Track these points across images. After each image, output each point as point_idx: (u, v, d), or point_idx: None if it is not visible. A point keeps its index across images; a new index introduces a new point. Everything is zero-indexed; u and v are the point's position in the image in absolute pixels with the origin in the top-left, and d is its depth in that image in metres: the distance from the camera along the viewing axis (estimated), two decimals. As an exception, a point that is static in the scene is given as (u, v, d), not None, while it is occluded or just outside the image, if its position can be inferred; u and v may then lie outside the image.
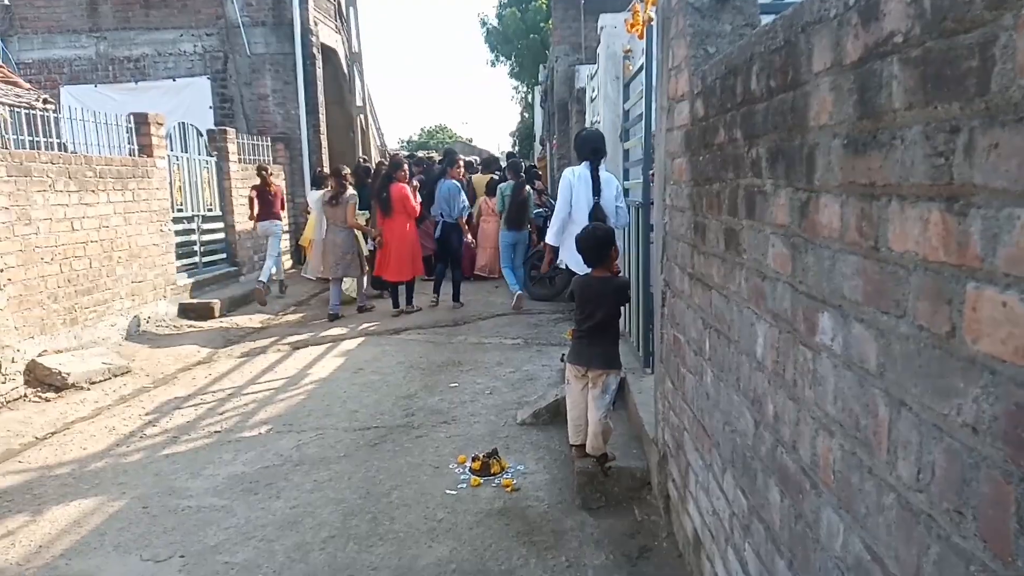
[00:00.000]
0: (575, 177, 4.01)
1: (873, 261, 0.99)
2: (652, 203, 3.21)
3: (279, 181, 8.71)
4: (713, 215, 1.84)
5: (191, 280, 6.97)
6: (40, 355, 4.58)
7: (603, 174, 4.03)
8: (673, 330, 2.41)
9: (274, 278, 7.62)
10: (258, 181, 7.51)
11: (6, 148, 4.61)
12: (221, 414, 4.01)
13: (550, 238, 4.19)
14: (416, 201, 6.54)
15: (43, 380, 4.40)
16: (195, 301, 6.68)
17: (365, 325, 6.22)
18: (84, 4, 9.97)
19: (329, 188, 6.63)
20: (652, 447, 2.77)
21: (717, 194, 1.80)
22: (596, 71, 5.62)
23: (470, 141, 35.04)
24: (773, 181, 1.39)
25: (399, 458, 3.28)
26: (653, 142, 3.07)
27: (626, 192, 4.47)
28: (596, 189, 3.95)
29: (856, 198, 1.04)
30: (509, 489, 2.90)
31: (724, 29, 2.05)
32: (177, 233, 6.78)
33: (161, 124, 6.55)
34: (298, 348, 5.51)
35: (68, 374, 4.43)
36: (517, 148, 23.84)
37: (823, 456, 1.16)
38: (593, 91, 5.92)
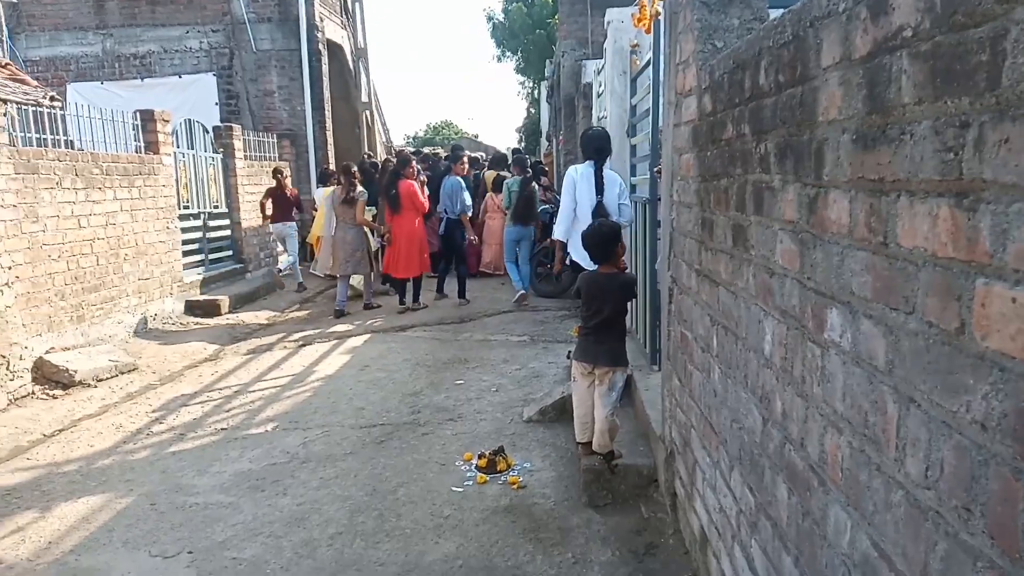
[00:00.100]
0: (578, 175, 4.06)
1: (882, 257, 0.98)
2: (659, 199, 3.20)
3: (284, 178, 8.77)
4: (721, 211, 1.84)
5: (198, 277, 7.00)
6: (48, 352, 4.61)
7: (607, 173, 4.06)
8: (680, 327, 2.41)
9: (290, 273, 7.76)
10: (273, 184, 7.64)
11: (14, 146, 4.64)
12: (228, 411, 4.03)
13: (559, 233, 4.23)
14: (424, 197, 6.56)
15: (51, 377, 4.43)
16: (202, 298, 6.71)
17: (371, 322, 6.24)
18: (91, 1, 10.01)
19: (339, 185, 6.65)
20: (659, 444, 2.76)
21: (725, 190, 1.79)
22: (603, 66, 5.60)
23: (476, 137, 35.00)
24: (781, 177, 1.38)
25: (405, 455, 3.29)
26: (660, 137, 3.06)
27: (633, 188, 4.46)
28: (599, 188, 3.98)
29: (865, 194, 1.03)
30: (515, 486, 2.91)
31: (732, 24, 2.04)
32: (183, 230, 6.81)
33: (167, 121, 6.57)
34: (304, 345, 5.53)
35: (75, 371, 4.46)
36: (523, 144, 23.79)
37: (831, 453, 1.16)
38: (600, 86, 5.90)
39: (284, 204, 7.65)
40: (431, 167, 8.82)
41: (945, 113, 0.82)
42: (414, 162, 6.82)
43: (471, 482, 2.97)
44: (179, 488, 3.00)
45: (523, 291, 6.77)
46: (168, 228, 6.42)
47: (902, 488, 0.93)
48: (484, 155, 14.83)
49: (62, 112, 5.42)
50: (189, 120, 7.53)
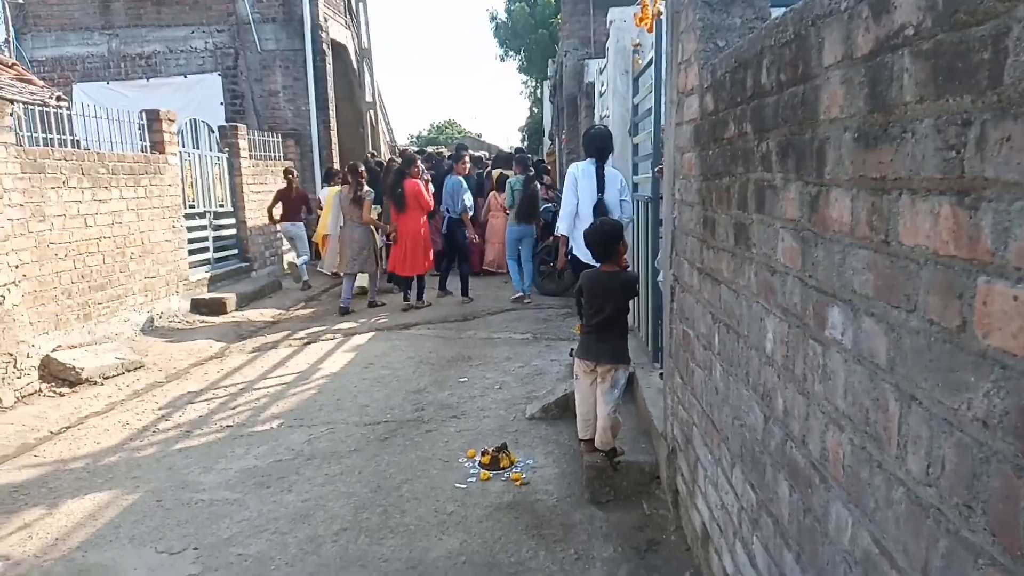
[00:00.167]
0: (579, 172, 4.12)
1: (883, 255, 0.98)
2: (661, 197, 3.20)
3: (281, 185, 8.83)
4: (723, 209, 1.84)
5: (203, 276, 7.03)
6: (54, 350, 4.65)
7: (608, 171, 4.12)
8: (682, 325, 2.41)
9: (300, 272, 7.86)
10: (284, 184, 7.72)
11: (20, 145, 4.67)
12: (233, 409, 4.05)
13: (562, 229, 4.27)
14: (429, 196, 6.61)
15: (57, 375, 4.46)
16: (207, 296, 6.74)
17: (375, 320, 6.26)
18: (96, 2, 10.05)
19: (347, 184, 6.70)
20: (661, 441, 2.77)
21: (727, 188, 1.79)
22: (605, 65, 5.60)
23: (479, 136, 34.99)
24: (783, 175, 1.38)
25: (409, 452, 3.31)
26: (662, 136, 3.06)
27: (635, 187, 4.47)
28: (600, 185, 4.04)
29: (867, 192, 1.03)
30: (518, 483, 2.91)
31: (734, 23, 2.04)
32: (189, 229, 6.84)
33: (173, 121, 6.60)
34: (309, 343, 5.55)
35: (82, 369, 4.49)
36: (526, 143, 23.78)
37: (832, 450, 1.16)
38: (602, 85, 5.90)
39: (294, 204, 7.75)
40: (435, 166, 8.84)
41: (947, 111, 0.82)
42: (419, 161, 6.86)
43: (474, 479, 2.98)
44: (185, 485, 3.02)
45: (521, 292, 6.84)
46: (174, 227, 6.45)
47: (903, 485, 0.93)
48: (487, 154, 14.82)
49: (68, 112, 5.45)
50: (194, 120, 7.56)
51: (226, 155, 7.95)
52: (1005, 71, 0.72)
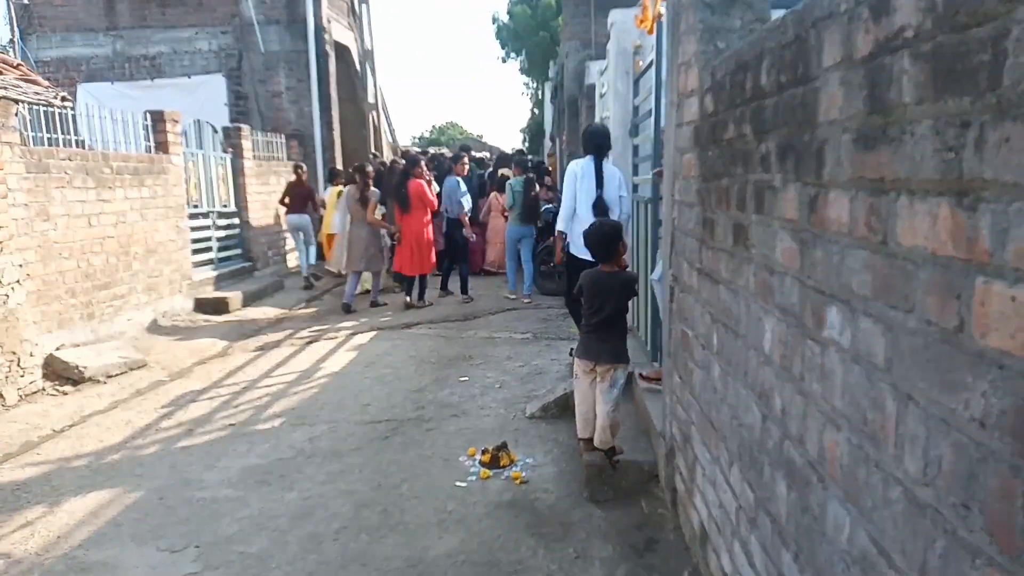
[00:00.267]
0: (579, 169, 4.16)
1: (882, 256, 0.99)
2: (660, 198, 3.20)
3: (291, 178, 8.92)
4: (722, 210, 1.84)
5: (207, 275, 7.06)
6: (58, 349, 4.66)
7: (607, 167, 4.17)
8: (681, 325, 2.41)
9: (307, 276, 8.02)
10: (293, 178, 7.93)
11: (25, 145, 4.69)
12: (236, 407, 4.07)
13: (560, 225, 4.32)
14: (433, 196, 6.68)
15: (61, 374, 4.48)
16: (211, 296, 6.76)
17: (377, 320, 6.27)
18: (101, 3, 10.08)
19: (354, 184, 6.77)
20: (660, 441, 2.77)
21: (726, 189, 1.79)
22: (606, 67, 5.60)
23: (480, 137, 35.02)
24: (782, 176, 1.39)
25: (410, 451, 3.31)
26: (662, 138, 3.06)
27: (635, 188, 4.48)
28: (599, 182, 4.09)
29: (865, 193, 1.04)
30: (518, 482, 2.92)
31: (734, 24, 2.04)
32: (193, 229, 6.86)
33: (177, 121, 6.62)
34: (311, 342, 5.56)
35: (85, 368, 4.50)
36: (527, 144, 23.80)
37: (830, 450, 1.16)
38: (603, 87, 5.90)
39: (299, 197, 7.95)
40: (437, 167, 8.87)
41: (946, 113, 0.83)
42: (423, 162, 6.92)
43: (474, 477, 2.99)
44: (187, 483, 3.03)
45: (515, 291, 7.00)
46: (177, 227, 6.47)
47: (900, 485, 0.93)
48: (488, 155, 14.83)
49: (73, 112, 5.48)
50: (198, 120, 7.59)
51: (230, 156, 7.98)
52: (1004, 73, 0.72)
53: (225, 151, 7.95)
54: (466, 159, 7.88)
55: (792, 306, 1.34)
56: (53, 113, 5.10)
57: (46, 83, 4.70)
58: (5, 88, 4.10)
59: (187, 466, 3.22)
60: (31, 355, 4.32)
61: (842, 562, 1.11)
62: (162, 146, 6.41)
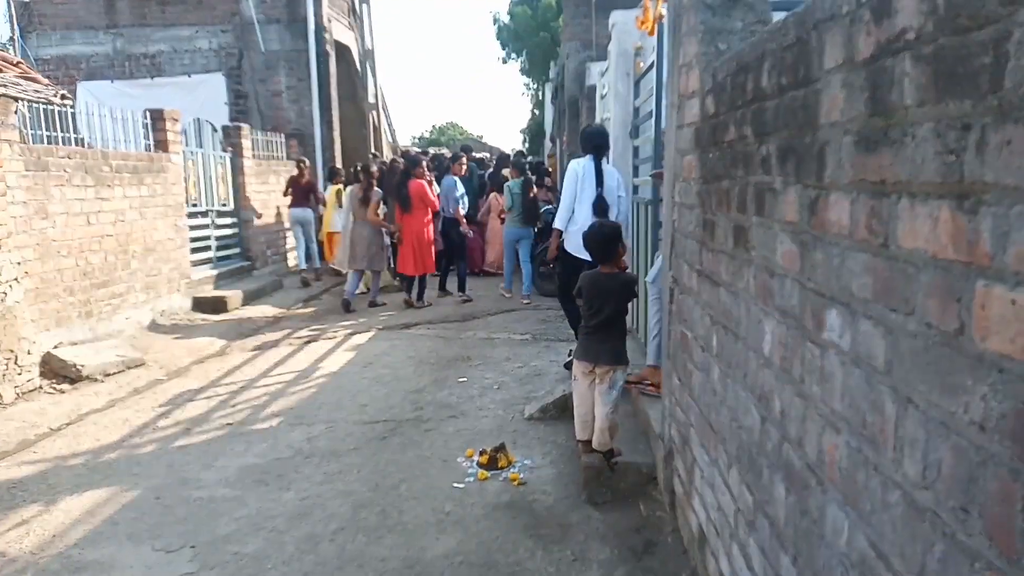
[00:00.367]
0: (580, 168, 4.23)
1: (882, 259, 0.99)
2: (660, 200, 3.21)
3: (292, 172, 8.97)
4: (722, 212, 1.84)
5: (205, 274, 7.05)
6: (55, 347, 4.65)
7: (606, 167, 4.24)
8: (681, 326, 2.41)
9: (308, 275, 8.11)
10: (295, 172, 8.15)
11: (24, 143, 4.68)
12: (233, 406, 4.06)
13: (558, 222, 4.38)
14: (434, 195, 6.73)
15: (58, 372, 4.47)
16: (209, 295, 6.75)
17: (376, 320, 6.26)
18: (101, 1, 10.08)
19: (358, 183, 6.82)
20: (658, 443, 2.77)
21: (727, 191, 1.79)
22: (607, 68, 5.61)
23: (480, 138, 35.03)
24: (783, 178, 1.38)
25: (408, 451, 3.31)
26: (663, 139, 3.06)
27: (636, 189, 4.49)
28: (599, 181, 4.16)
29: (866, 195, 1.03)
30: (516, 483, 2.91)
31: (735, 26, 2.04)
32: (191, 228, 6.86)
33: (177, 120, 6.62)
34: (310, 342, 5.55)
35: (83, 366, 4.49)
36: (527, 145, 23.81)
37: (829, 453, 1.16)
38: (604, 88, 5.91)
39: (302, 191, 8.12)
40: (437, 167, 8.89)
41: (947, 115, 0.82)
42: (424, 163, 6.96)
43: (472, 478, 2.98)
44: (184, 482, 3.02)
45: (508, 290, 7.12)
46: (176, 226, 6.46)
47: (900, 488, 0.93)
48: (488, 155, 14.83)
49: (72, 110, 5.47)
50: (198, 119, 7.59)
51: (229, 155, 7.97)
52: (1006, 75, 0.72)
53: (224, 150, 7.94)
54: (464, 159, 7.94)
55: (792, 308, 1.34)
56: (53, 111, 5.10)
57: (46, 81, 4.70)
58: (5, 86, 4.09)
59: (184, 465, 3.21)
60: (28, 353, 4.31)
61: (841, 566, 1.11)
62: (161, 145, 6.41)
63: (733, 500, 1.73)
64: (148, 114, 6.36)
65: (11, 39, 9.84)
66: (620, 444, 2.85)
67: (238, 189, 8.07)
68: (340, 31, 11.23)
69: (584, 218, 4.12)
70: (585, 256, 4.01)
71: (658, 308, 3.25)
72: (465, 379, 4.46)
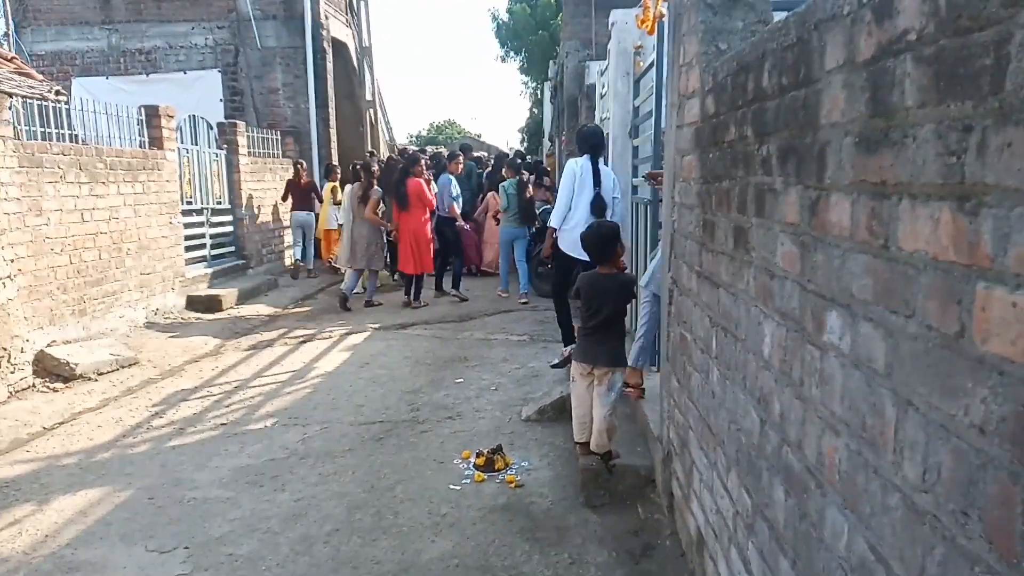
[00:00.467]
0: (578, 168, 4.25)
1: (883, 260, 0.98)
2: (660, 200, 3.21)
3: (288, 174, 8.98)
4: (722, 213, 1.83)
5: (199, 272, 7.02)
6: (49, 345, 4.62)
7: (602, 167, 4.27)
8: (680, 328, 2.41)
9: (300, 265, 8.30)
10: (292, 176, 8.31)
11: (18, 139, 4.65)
12: (227, 406, 4.04)
13: (553, 221, 4.40)
14: (432, 194, 6.74)
15: (51, 370, 4.44)
16: (203, 293, 6.72)
17: (372, 320, 6.25)
18: (96, -3, 10.03)
19: (358, 182, 6.84)
20: (657, 445, 2.76)
21: (727, 192, 1.79)
22: (606, 67, 5.61)
23: (479, 137, 35.01)
24: (783, 179, 1.38)
25: (404, 453, 3.30)
26: (663, 139, 3.06)
27: (635, 189, 4.49)
28: (597, 180, 4.19)
29: (867, 197, 1.03)
30: (513, 485, 2.91)
31: (736, 26, 2.04)
32: (186, 226, 6.83)
33: (172, 117, 6.58)
34: (305, 342, 5.53)
35: (76, 365, 4.47)
36: (526, 144, 23.81)
37: (829, 456, 1.16)
38: (603, 87, 5.91)
39: (303, 194, 8.24)
40: (436, 165, 8.90)
41: (948, 117, 0.82)
42: (423, 161, 6.97)
43: (469, 480, 2.97)
44: (178, 482, 3.00)
45: (505, 291, 7.12)
46: (171, 223, 6.43)
47: (899, 491, 0.93)
48: (487, 155, 14.82)
49: (67, 106, 5.43)
50: (193, 116, 7.55)
51: (224, 152, 7.94)
52: (1007, 77, 0.72)
53: (220, 147, 7.91)
54: (461, 158, 7.97)
55: (792, 310, 1.33)
56: (47, 107, 5.06)
57: (40, 77, 4.66)
58: (-2, 81, 4.06)
59: (178, 465, 3.19)
60: (22, 351, 4.28)
61: (840, 569, 1.10)
62: (156, 142, 6.37)
63: (732, 503, 1.72)
64: (143, 111, 6.33)
65: (5, 34, 9.78)
66: (618, 446, 2.85)
67: (233, 187, 8.04)
68: (337, 28, 11.20)
69: (582, 218, 4.13)
70: (579, 255, 4.05)
71: (647, 312, 3.27)
72: (462, 380, 4.45)
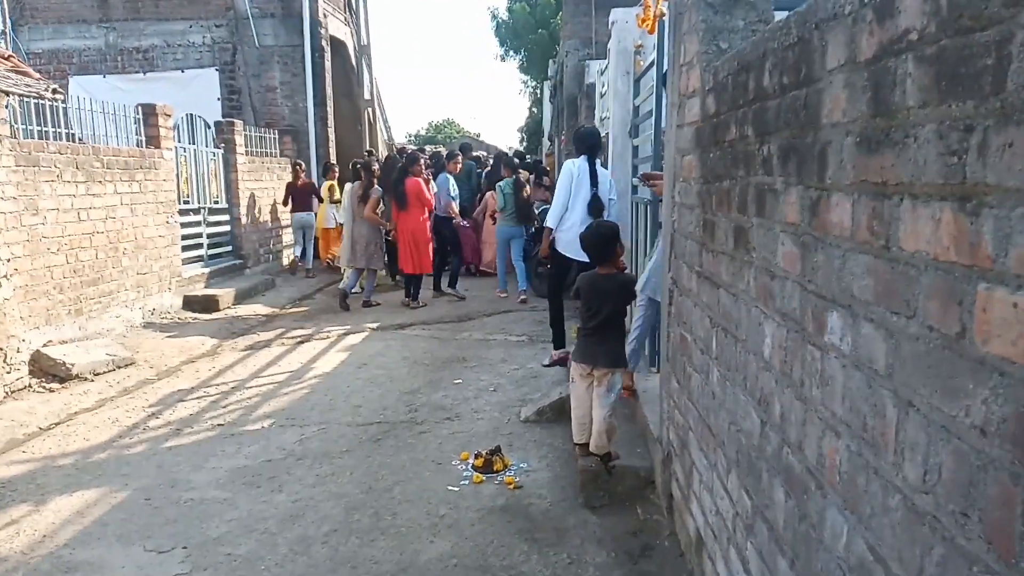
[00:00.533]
0: (575, 168, 4.28)
1: (884, 260, 0.98)
2: (660, 200, 3.20)
3: (285, 173, 8.98)
4: (722, 213, 1.83)
5: (196, 272, 7.00)
6: (45, 345, 4.61)
7: (599, 168, 4.31)
8: (680, 329, 2.41)
9: (300, 264, 8.42)
10: (290, 177, 8.39)
11: (15, 138, 4.63)
12: (224, 407, 4.03)
13: (550, 221, 4.40)
14: (431, 194, 6.76)
15: (48, 371, 4.42)
16: (200, 293, 6.71)
17: (370, 320, 6.24)
18: (94, -5, 9.99)
19: (359, 182, 6.86)
20: (656, 446, 2.76)
21: (727, 191, 1.79)
22: (606, 66, 5.60)
23: (478, 136, 35.00)
24: (784, 179, 1.38)
25: (402, 454, 3.29)
26: (663, 138, 3.06)
27: (635, 189, 4.49)
28: (594, 181, 4.22)
29: (868, 197, 1.03)
30: (512, 486, 2.90)
31: (737, 25, 2.03)
32: (183, 225, 6.81)
33: (169, 115, 6.57)
34: (302, 342, 5.52)
35: (72, 365, 4.45)
36: (525, 144, 23.81)
37: (829, 457, 1.15)
38: (603, 87, 5.91)
39: (303, 195, 8.29)
40: (435, 164, 8.91)
41: (949, 117, 0.82)
42: (422, 161, 6.98)
43: (467, 481, 2.97)
44: (175, 483, 2.99)
45: (503, 291, 7.13)
46: (168, 223, 6.41)
47: (900, 492, 0.93)
48: (485, 154, 14.82)
49: (64, 105, 5.41)
50: (191, 115, 7.53)
51: (222, 151, 7.92)
52: (1008, 77, 0.71)
53: (217, 146, 7.89)
54: (460, 158, 7.99)
55: (793, 311, 1.33)
56: (44, 106, 5.04)
57: (37, 75, 4.65)
58: (-5, 80, 4.04)
59: (174, 466, 3.18)
60: (18, 351, 4.26)
61: (839, 570, 1.10)
62: (153, 140, 6.35)
63: (732, 504, 1.72)
64: (140, 109, 6.31)
65: (2, 32, 9.74)
66: (618, 447, 2.85)
67: (230, 186, 8.02)
68: (336, 26, 11.18)
69: (578, 218, 4.14)
70: (575, 256, 4.08)
71: (640, 316, 3.30)
72: (460, 381, 4.44)
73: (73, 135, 5.61)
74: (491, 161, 10.82)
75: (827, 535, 1.15)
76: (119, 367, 4.71)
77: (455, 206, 7.28)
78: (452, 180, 7.33)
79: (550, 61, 14.76)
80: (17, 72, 4.36)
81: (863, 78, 1.03)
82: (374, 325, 6.03)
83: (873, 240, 1.01)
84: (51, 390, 4.26)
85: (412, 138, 35.67)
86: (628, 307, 3.14)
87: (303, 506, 2.76)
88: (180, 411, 3.95)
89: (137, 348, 5.14)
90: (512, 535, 2.52)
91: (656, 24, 3.52)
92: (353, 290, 6.83)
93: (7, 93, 4.22)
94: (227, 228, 7.96)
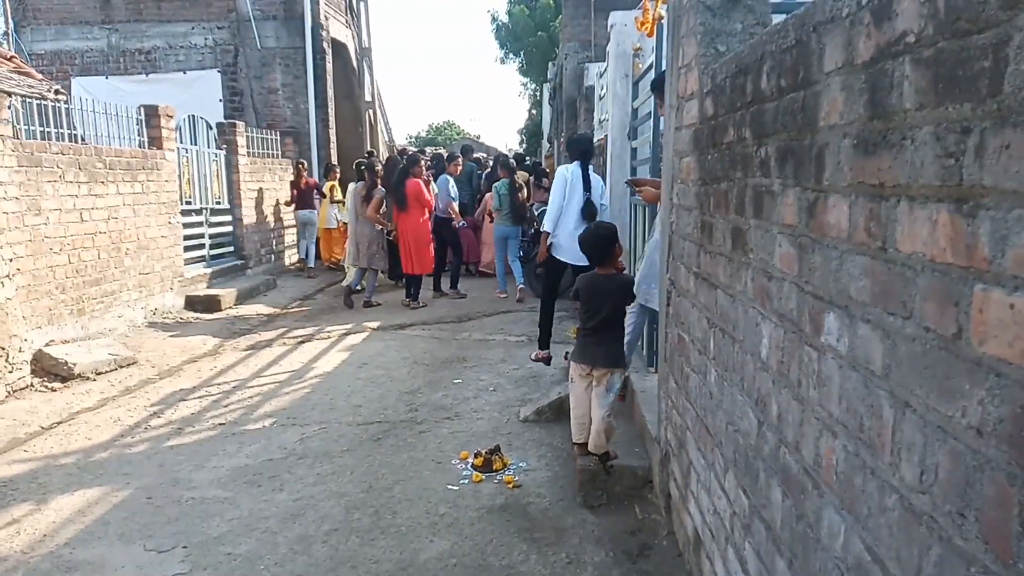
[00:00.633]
0: (569, 174, 4.34)
1: (880, 262, 0.98)
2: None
3: (287, 175, 9.00)
4: (720, 214, 1.84)
5: (198, 272, 7.01)
6: (47, 345, 4.62)
7: (592, 174, 4.37)
8: (678, 329, 2.41)
9: (302, 259, 8.57)
10: (293, 177, 8.51)
11: (18, 138, 4.64)
12: (226, 406, 4.03)
13: (546, 225, 4.45)
14: (431, 195, 6.79)
15: (50, 370, 4.43)
16: (202, 293, 6.72)
17: (371, 320, 6.25)
18: (96, -4, 10.02)
19: (362, 182, 6.89)
20: (654, 446, 2.77)
21: (725, 193, 1.79)
22: (605, 69, 5.61)
23: (478, 138, 35.04)
24: (781, 181, 1.38)
25: (402, 453, 3.29)
26: (661, 140, 3.07)
27: (633, 191, 4.51)
28: (587, 185, 4.30)
29: (865, 198, 1.03)
30: (511, 485, 2.91)
31: (735, 28, 2.04)
32: (185, 226, 6.82)
33: (171, 116, 6.58)
34: (303, 342, 5.53)
35: (75, 364, 4.46)
36: (524, 146, 23.84)
37: (826, 457, 1.16)
38: (602, 89, 5.92)
39: (305, 193, 8.39)
40: (436, 166, 8.92)
41: (946, 119, 0.82)
42: (423, 162, 7.00)
43: (467, 481, 2.97)
44: (176, 482, 3.00)
45: (503, 291, 7.16)
46: (170, 223, 6.42)
47: (896, 492, 0.93)
48: (486, 156, 14.84)
49: (66, 106, 5.43)
50: (193, 116, 7.55)
51: (224, 152, 7.94)
52: (1005, 79, 0.72)
53: (219, 148, 7.91)
54: (460, 159, 8.03)
55: (790, 312, 1.33)
56: (46, 106, 5.06)
57: (40, 76, 4.66)
58: (-3, 80, 4.05)
59: (176, 465, 3.19)
60: (20, 351, 4.27)
61: (836, 570, 1.11)
62: (156, 141, 6.37)
63: (729, 504, 1.72)
64: (142, 110, 6.32)
65: (5, 33, 9.77)
66: (616, 447, 2.85)
67: (232, 187, 8.03)
68: (337, 28, 11.20)
69: (573, 222, 4.20)
70: (568, 259, 4.15)
71: (632, 321, 3.33)
72: (460, 380, 4.44)
73: (76, 136, 5.62)
74: (491, 163, 10.84)
75: (824, 535, 1.16)
76: (121, 366, 4.71)
77: (455, 207, 7.30)
78: (452, 181, 7.35)
79: (549, 64, 14.78)
80: (20, 73, 4.38)
81: (860, 80, 1.04)
82: (375, 325, 6.03)
83: (870, 241, 1.01)
84: (53, 389, 4.27)
85: (413, 140, 35.72)
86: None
87: (304, 505, 2.77)
88: (182, 410, 3.95)
89: (139, 348, 5.15)
90: (511, 534, 2.52)
91: (655, 27, 3.53)
92: (357, 287, 6.86)
93: (10, 94, 4.24)
94: (229, 229, 7.98)
